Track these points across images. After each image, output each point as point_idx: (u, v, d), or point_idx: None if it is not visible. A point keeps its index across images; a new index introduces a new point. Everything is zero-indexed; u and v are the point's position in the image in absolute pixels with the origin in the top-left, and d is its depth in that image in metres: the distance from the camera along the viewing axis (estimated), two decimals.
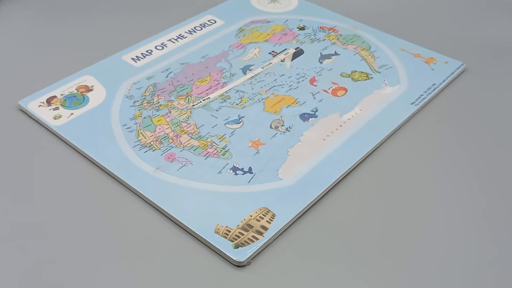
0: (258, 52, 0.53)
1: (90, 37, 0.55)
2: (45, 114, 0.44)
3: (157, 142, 0.42)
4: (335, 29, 0.56)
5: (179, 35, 0.55)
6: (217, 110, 0.45)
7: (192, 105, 0.46)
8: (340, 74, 0.50)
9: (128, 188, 0.39)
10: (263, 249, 0.35)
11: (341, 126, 0.44)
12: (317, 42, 0.54)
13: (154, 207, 0.38)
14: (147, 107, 0.45)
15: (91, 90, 0.47)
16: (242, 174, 0.39)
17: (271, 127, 0.44)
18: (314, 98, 0.47)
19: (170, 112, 0.45)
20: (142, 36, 0.54)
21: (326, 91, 0.47)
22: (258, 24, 0.57)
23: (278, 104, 0.46)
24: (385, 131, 0.43)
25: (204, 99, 0.46)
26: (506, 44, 0.55)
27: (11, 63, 0.51)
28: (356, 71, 0.50)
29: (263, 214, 0.36)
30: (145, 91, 0.47)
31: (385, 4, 0.62)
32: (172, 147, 0.42)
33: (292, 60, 0.51)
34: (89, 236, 0.35)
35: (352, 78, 0.49)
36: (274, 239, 0.35)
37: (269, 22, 0.57)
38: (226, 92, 0.47)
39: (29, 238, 0.35)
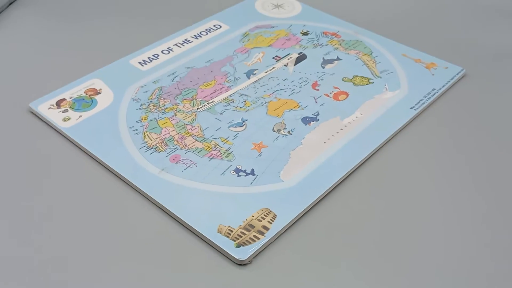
0: (262, 56, 0.54)
1: (99, 41, 0.56)
2: (55, 116, 0.46)
3: (162, 144, 0.43)
4: (337, 35, 0.57)
5: (185, 39, 0.56)
6: (221, 113, 0.47)
7: (197, 108, 0.47)
8: (342, 79, 0.51)
9: (134, 189, 0.40)
10: (264, 249, 0.36)
11: (341, 129, 0.45)
12: (319, 47, 0.55)
13: (159, 207, 0.39)
14: (153, 110, 0.47)
15: (99, 93, 0.49)
16: (245, 176, 0.41)
17: (273, 130, 0.45)
18: (316, 102, 0.48)
19: (175, 115, 0.46)
20: (149, 41, 0.56)
21: (328, 95, 0.49)
22: (262, 29, 0.58)
23: (280, 108, 0.47)
24: (384, 135, 0.44)
25: (209, 103, 0.48)
26: (506, 50, 0.56)
27: (22, 66, 0.53)
28: (357, 76, 0.51)
29: (264, 215, 0.38)
30: (151, 94, 0.49)
31: (387, 10, 0.63)
32: (177, 149, 0.43)
33: (295, 65, 0.53)
34: (96, 235, 0.37)
35: (353, 83, 0.50)
36: (275, 239, 0.37)
37: (273, 27, 0.59)
38: (230, 95, 0.49)
39: (38, 236, 0.37)
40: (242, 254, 0.35)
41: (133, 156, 0.42)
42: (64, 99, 0.48)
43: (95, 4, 0.63)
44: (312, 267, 0.35)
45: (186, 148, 0.43)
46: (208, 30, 0.58)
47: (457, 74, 0.51)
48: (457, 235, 0.37)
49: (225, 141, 0.44)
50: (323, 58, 0.54)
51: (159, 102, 0.48)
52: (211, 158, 0.42)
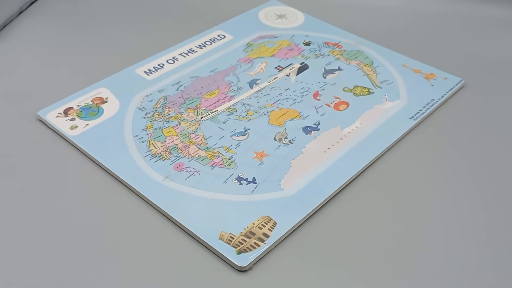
0: (264, 66, 0.55)
1: (105, 51, 0.58)
2: (62, 124, 0.47)
3: (166, 152, 0.45)
4: (339, 45, 0.58)
5: (190, 49, 0.57)
6: (224, 122, 0.48)
7: (201, 117, 0.48)
8: (343, 89, 0.52)
9: (139, 196, 0.41)
10: (264, 255, 0.37)
11: (341, 139, 0.46)
12: (321, 58, 0.56)
13: (162, 213, 0.40)
14: (158, 118, 0.48)
15: (106, 102, 0.50)
16: (246, 184, 0.42)
17: (275, 139, 0.46)
18: (317, 112, 0.49)
19: (179, 123, 0.47)
20: (154, 50, 0.57)
21: (329, 105, 0.50)
22: (266, 39, 0.59)
23: (282, 117, 0.48)
24: (383, 145, 0.45)
25: (212, 112, 0.49)
26: (505, 61, 0.57)
27: (31, 74, 0.54)
28: (358, 86, 0.52)
29: (265, 222, 0.39)
30: (156, 103, 0.50)
31: (389, 20, 0.64)
32: (181, 157, 0.44)
33: (297, 75, 0.54)
34: (100, 240, 0.38)
35: (354, 93, 0.51)
36: (275, 246, 0.38)
37: (276, 37, 0.60)
38: (233, 105, 0.50)
39: (44, 239, 0.38)
40: (242, 260, 0.36)
41: (138, 164, 0.43)
42: (71, 108, 0.49)
43: (102, 15, 0.64)
44: (311, 274, 0.36)
45: (190, 156, 0.44)
46: (212, 40, 0.59)
47: (456, 84, 0.52)
48: (457, 245, 0.38)
49: (227, 150, 0.45)
50: (324, 68, 0.55)
51: (163, 111, 0.49)
52: (213, 167, 0.43)
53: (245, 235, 0.38)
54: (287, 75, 0.54)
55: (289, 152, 0.45)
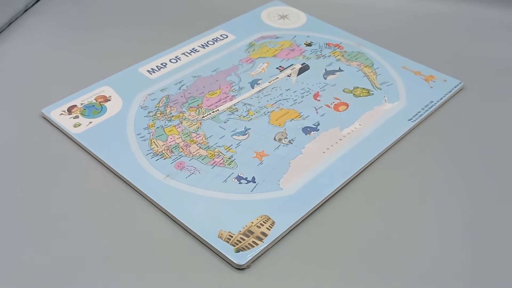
0: (266, 66, 0.56)
1: (109, 50, 0.58)
2: (66, 122, 0.48)
3: (168, 151, 0.45)
4: (340, 46, 0.59)
5: (193, 49, 0.58)
6: (225, 122, 0.48)
7: (202, 117, 0.49)
8: (343, 90, 0.52)
9: (140, 193, 0.42)
10: (262, 254, 0.38)
11: (340, 140, 0.46)
12: (322, 58, 0.57)
13: (163, 211, 0.41)
14: (160, 117, 0.49)
15: (109, 100, 0.51)
16: (246, 183, 0.42)
17: (275, 139, 0.47)
18: (317, 112, 0.50)
19: (181, 122, 0.48)
20: (157, 50, 0.58)
21: (329, 106, 0.50)
22: (268, 40, 0.60)
23: (282, 118, 0.49)
24: (382, 146, 0.46)
25: (214, 111, 0.50)
26: (504, 64, 0.57)
27: (35, 72, 0.55)
28: (358, 87, 0.53)
29: (263, 221, 0.39)
30: (158, 102, 0.50)
31: (390, 22, 0.64)
32: (182, 156, 0.45)
33: (298, 75, 0.54)
34: (101, 236, 0.39)
35: (354, 94, 0.52)
36: (272, 245, 0.38)
37: (278, 37, 0.60)
38: (234, 104, 0.50)
39: (47, 235, 0.39)
40: (241, 259, 0.37)
41: (140, 162, 0.44)
42: (75, 106, 0.50)
43: (107, 14, 0.65)
44: (308, 273, 0.37)
45: (191, 155, 0.45)
46: (215, 39, 0.60)
47: (455, 87, 0.53)
48: (454, 245, 0.39)
49: (228, 149, 0.46)
50: (325, 69, 0.55)
51: (166, 110, 0.50)
52: (214, 166, 0.44)
53: (244, 234, 0.38)
54: (288, 76, 0.54)
55: (289, 152, 0.45)
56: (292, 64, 0.56)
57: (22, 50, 0.58)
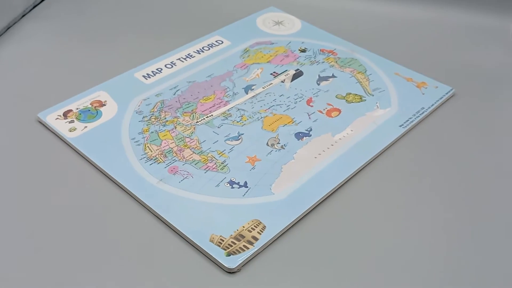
0: (260, 72, 0.56)
1: (105, 55, 0.59)
2: (62, 127, 0.49)
3: (162, 155, 0.46)
4: (334, 52, 0.59)
5: (188, 54, 0.59)
6: (218, 127, 0.49)
7: (196, 122, 0.50)
8: (336, 96, 0.53)
9: (133, 197, 0.43)
10: (252, 258, 0.38)
11: (332, 145, 0.47)
12: (316, 64, 0.57)
13: (155, 215, 0.41)
14: (154, 122, 0.49)
15: (104, 105, 0.51)
16: (238, 188, 0.43)
17: (267, 144, 0.47)
18: (310, 118, 0.50)
19: (175, 127, 0.49)
20: (153, 55, 0.58)
21: (321, 112, 0.51)
22: (262, 46, 0.61)
23: (275, 123, 0.50)
24: (372, 152, 0.47)
25: (208, 116, 0.50)
26: (495, 71, 0.58)
27: (32, 77, 0.55)
28: (350, 93, 0.53)
29: (254, 226, 0.40)
30: (153, 107, 0.51)
31: (383, 29, 0.65)
32: (176, 160, 0.45)
33: (291, 81, 0.55)
34: (94, 239, 0.39)
35: (346, 100, 0.52)
36: (263, 249, 0.39)
37: (273, 43, 0.61)
38: (228, 110, 0.51)
39: (41, 239, 0.39)
40: (231, 262, 0.37)
41: (134, 166, 0.45)
42: (71, 110, 0.50)
43: (103, 20, 0.66)
44: (298, 277, 0.37)
45: (184, 160, 0.45)
46: (210, 45, 0.60)
47: (446, 93, 0.53)
48: (446, 249, 0.39)
49: (221, 154, 0.46)
50: (318, 75, 0.56)
51: (160, 115, 0.50)
52: (207, 170, 0.45)
53: (235, 238, 0.39)
54: (282, 81, 0.55)
55: (281, 157, 0.46)
56: (286, 70, 0.57)
57: (19, 54, 0.59)
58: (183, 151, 0.46)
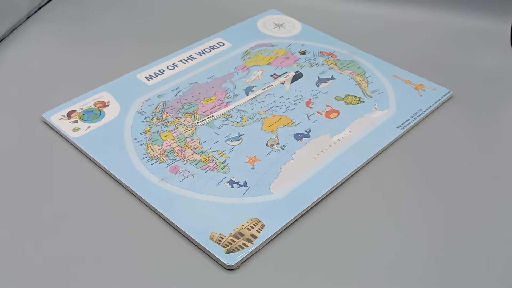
0: (260, 74, 0.57)
1: (108, 57, 0.60)
2: (65, 127, 0.49)
3: (163, 155, 0.47)
4: (333, 54, 0.60)
5: (190, 56, 0.60)
6: (219, 128, 0.50)
7: (197, 122, 0.50)
8: (335, 98, 0.54)
9: (135, 196, 0.44)
10: (251, 255, 0.39)
11: (330, 146, 0.48)
12: (316, 66, 0.58)
13: (157, 213, 0.42)
14: (156, 123, 0.50)
15: (107, 105, 0.52)
16: (238, 187, 0.44)
17: (267, 145, 0.48)
18: (309, 119, 0.51)
19: (177, 128, 0.50)
20: (155, 57, 0.59)
21: (320, 113, 0.52)
22: (263, 48, 0.62)
23: (275, 124, 0.50)
24: (370, 153, 0.47)
25: (208, 117, 0.51)
26: (493, 74, 0.59)
27: (37, 78, 0.57)
28: (349, 95, 0.54)
29: (253, 224, 0.41)
30: (155, 108, 0.52)
31: (383, 32, 0.66)
32: (177, 160, 0.46)
33: (291, 83, 0.56)
34: (97, 237, 0.40)
35: (345, 102, 0.53)
36: (262, 247, 0.40)
37: (273, 46, 0.62)
38: (228, 111, 0.52)
39: (44, 237, 0.40)
40: (230, 260, 0.38)
41: (136, 166, 0.46)
42: (74, 111, 0.51)
43: (107, 22, 0.67)
44: (295, 275, 0.38)
45: (185, 159, 0.46)
46: (211, 47, 0.61)
47: (444, 96, 0.54)
48: (444, 251, 0.40)
49: (221, 154, 0.47)
50: (318, 77, 0.57)
51: (162, 116, 0.51)
52: (207, 170, 0.45)
53: (234, 236, 0.40)
54: (282, 83, 0.56)
55: (280, 157, 0.47)
56: (286, 72, 0.58)
57: (24, 55, 0.60)
58: (184, 151, 0.47)
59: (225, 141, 0.48)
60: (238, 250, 0.39)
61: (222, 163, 0.46)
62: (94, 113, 0.51)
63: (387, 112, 0.52)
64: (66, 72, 0.58)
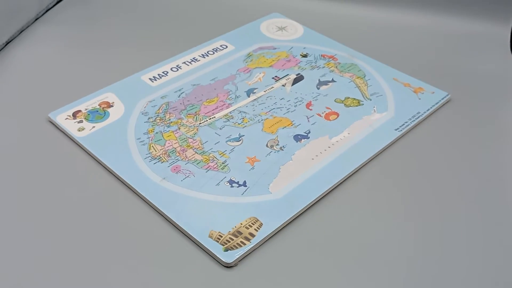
0: (262, 76, 0.58)
1: (113, 58, 0.61)
2: (71, 126, 0.51)
3: (165, 155, 0.48)
4: (334, 57, 0.61)
5: (193, 58, 0.61)
6: (220, 129, 0.51)
7: (199, 123, 0.52)
8: (334, 100, 0.55)
9: (137, 195, 0.45)
10: (249, 253, 0.40)
11: (329, 147, 0.49)
12: (317, 69, 0.59)
13: (158, 212, 0.43)
14: (159, 123, 0.51)
15: (112, 106, 0.53)
16: (237, 187, 0.45)
17: (267, 145, 0.49)
18: (308, 121, 0.52)
19: (179, 128, 0.51)
20: (159, 59, 0.60)
21: (320, 115, 0.53)
22: (265, 50, 0.63)
23: (275, 125, 0.51)
24: (368, 154, 0.48)
25: (210, 118, 0.52)
26: (490, 78, 0.59)
27: (43, 78, 0.58)
28: (349, 98, 0.55)
29: (252, 223, 0.42)
30: (158, 109, 0.53)
31: (383, 35, 0.67)
32: (178, 160, 0.47)
33: (292, 85, 0.57)
34: (99, 234, 0.41)
35: (344, 104, 0.54)
36: (259, 245, 0.41)
37: (275, 48, 0.63)
38: (230, 112, 0.53)
39: (49, 235, 0.41)
40: (229, 257, 0.39)
41: (138, 165, 0.47)
42: (80, 111, 0.53)
43: (112, 25, 0.68)
44: (292, 273, 0.39)
45: (187, 159, 0.47)
46: (215, 49, 0.62)
47: (442, 99, 0.55)
48: (440, 255, 0.41)
49: (222, 154, 0.48)
50: (319, 79, 0.58)
51: (165, 116, 0.52)
52: (208, 170, 0.46)
53: (233, 234, 0.41)
54: (283, 85, 0.57)
55: (279, 158, 0.48)
56: (288, 75, 0.58)
57: (32, 56, 0.61)
58: (186, 151, 0.48)
59: (226, 141, 0.50)
60: (236, 248, 0.40)
61: (222, 163, 0.47)
62: (98, 114, 0.53)
63: (385, 114, 0.53)
64: (72, 73, 0.59)
